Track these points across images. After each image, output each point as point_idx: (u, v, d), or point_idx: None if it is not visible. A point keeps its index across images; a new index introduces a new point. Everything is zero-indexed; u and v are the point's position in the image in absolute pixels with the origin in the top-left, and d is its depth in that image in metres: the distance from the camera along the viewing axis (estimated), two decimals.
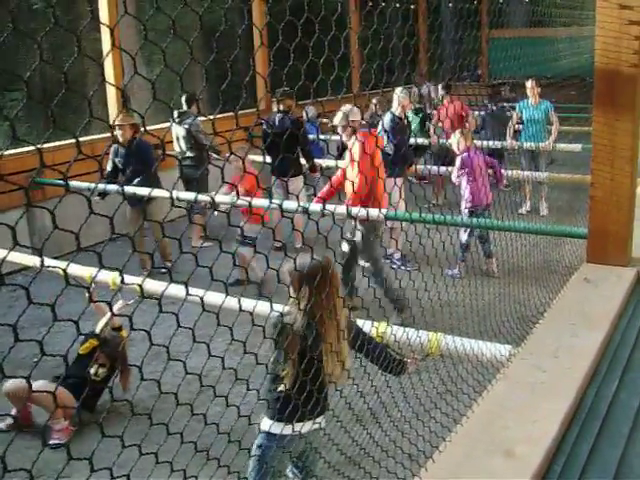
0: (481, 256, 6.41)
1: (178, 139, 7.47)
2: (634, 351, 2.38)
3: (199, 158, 7.44)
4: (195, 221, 7.54)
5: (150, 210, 6.39)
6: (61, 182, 6.41)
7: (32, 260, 4.64)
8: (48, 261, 2.78)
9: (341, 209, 4.91)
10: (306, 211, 4.31)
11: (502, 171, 6.65)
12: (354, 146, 5.07)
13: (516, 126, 8.62)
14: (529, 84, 8.15)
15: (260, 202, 5.53)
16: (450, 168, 6.82)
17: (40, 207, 1.17)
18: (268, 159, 7.25)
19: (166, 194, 5.99)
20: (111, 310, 1.30)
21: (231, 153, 5.79)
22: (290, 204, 5.30)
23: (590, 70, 2.93)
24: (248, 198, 5.40)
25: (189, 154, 7.42)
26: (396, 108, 6.94)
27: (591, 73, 2.84)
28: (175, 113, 7.34)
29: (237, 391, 2.92)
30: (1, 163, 6.57)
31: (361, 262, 5.48)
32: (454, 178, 6.44)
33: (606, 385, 2.15)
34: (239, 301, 2.16)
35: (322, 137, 9.24)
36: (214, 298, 2.73)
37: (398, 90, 6.99)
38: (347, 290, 5.15)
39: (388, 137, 6.69)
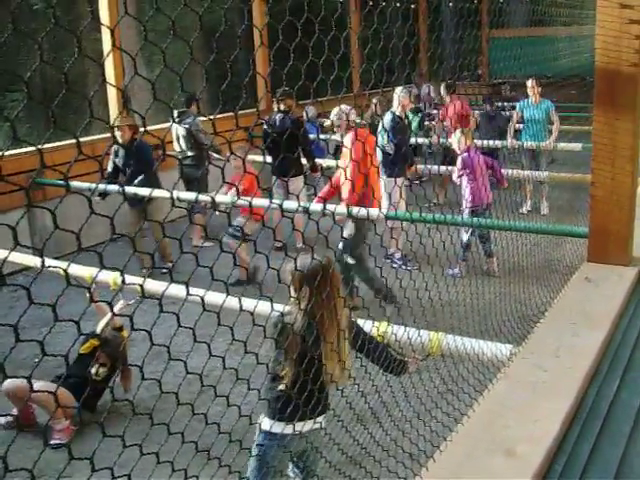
0: (482, 255, 6.41)
1: (178, 139, 7.47)
2: (635, 350, 2.38)
3: (199, 158, 7.45)
4: (196, 221, 7.55)
5: (150, 210, 6.40)
6: (62, 182, 6.42)
7: (33, 260, 4.64)
8: (49, 261, 2.77)
9: (341, 209, 4.94)
10: (306, 211, 4.32)
11: (502, 171, 6.65)
12: (345, 140, 5.16)
13: (517, 125, 8.62)
14: (529, 83, 8.15)
15: (260, 202, 5.54)
16: (450, 167, 6.82)
17: (41, 207, 1.17)
18: (268, 159, 7.26)
19: (167, 194, 6.00)
20: (112, 310, 1.30)
21: (231, 153, 5.83)
22: (290, 204, 5.31)
23: (590, 69, 2.93)
24: (248, 198, 5.41)
25: (189, 154, 7.43)
26: (396, 107, 6.94)
27: (591, 72, 2.84)
28: (175, 113, 7.35)
29: (238, 391, 2.92)
30: (2, 163, 6.57)
31: (347, 259, 5.53)
32: (455, 178, 6.44)
33: (607, 384, 2.14)
34: (240, 301, 2.16)
35: (322, 137, 9.24)
36: (215, 298, 2.73)
37: (398, 90, 6.99)
38: (347, 290, 5.16)
39: (388, 136, 6.69)
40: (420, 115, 9.65)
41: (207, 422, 1.48)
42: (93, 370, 4.11)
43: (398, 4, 10.30)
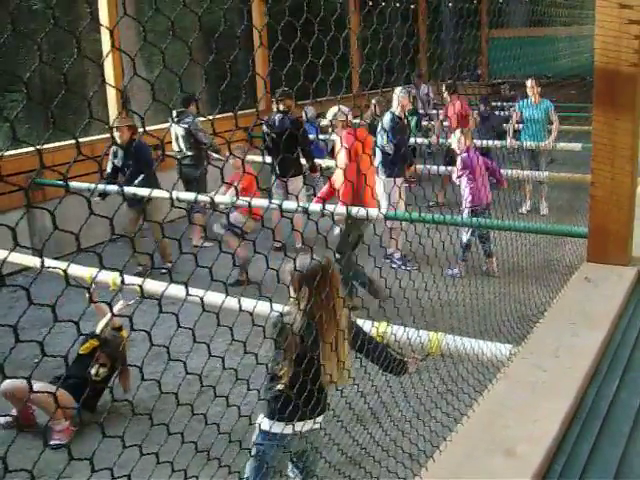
0: (481, 256, 6.41)
1: (177, 139, 7.47)
2: (635, 350, 2.38)
3: (198, 157, 7.45)
4: (195, 220, 7.55)
5: (149, 211, 6.41)
6: (61, 183, 6.42)
7: (32, 261, 4.64)
8: (48, 262, 2.78)
9: (340, 209, 4.94)
10: (306, 211, 4.32)
11: (501, 171, 6.66)
12: (338, 140, 5.20)
13: (516, 125, 8.63)
14: (529, 83, 8.16)
15: (260, 202, 5.54)
16: (450, 168, 6.83)
17: (40, 208, 1.17)
18: (268, 159, 7.26)
19: (166, 195, 6.00)
20: (111, 311, 1.30)
21: (230, 153, 5.83)
22: (290, 204, 5.31)
23: (590, 69, 2.93)
24: (247, 198, 5.42)
25: (188, 153, 7.42)
26: (396, 108, 6.94)
27: (591, 72, 2.84)
28: (174, 113, 7.35)
29: (238, 391, 2.93)
30: (1, 164, 6.57)
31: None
32: (455, 178, 6.45)
33: (607, 384, 2.14)
34: (239, 301, 2.16)
35: (321, 137, 9.25)
36: (214, 298, 2.73)
37: (397, 90, 6.99)
38: (347, 290, 5.17)
39: (388, 137, 6.70)
40: (417, 116, 9.65)
41: (207, 422, 1.48)
42: (93, 371, 4.11)
43: (397, 4, 10.30)
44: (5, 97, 11.84)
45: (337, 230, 5.34)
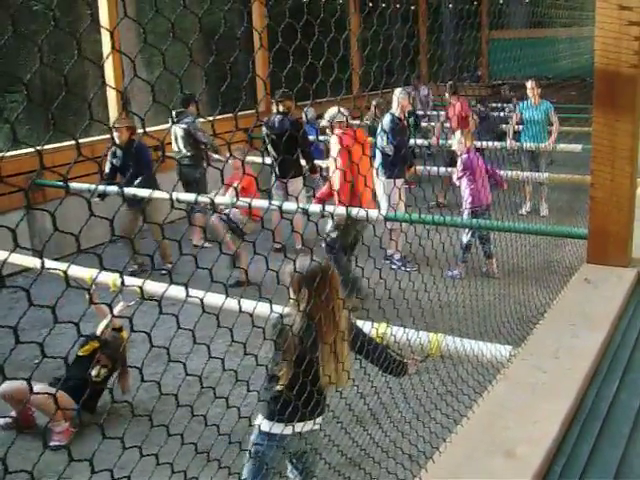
0: (481, 257, 6.41)
1: (176, 139, 7.47)
2: (634, 352, 2.38)
3: (197, 157, 7.44)
4: (196, 220, 7.54)
5: (148, 212, 6.40)
6: (61, 184, 6.43)
7: (33, 262, 4.64)
8: (49, 263, 2.78)
9: (340, 210, 4.94)
10: (306, 212, 4.33)
11: (501, 172, 6.66)
12: (332, 140, 5.30)
13: (516, 127, 8.63)
14: (529, 85, 8.16)
15: (260, 203, 5.54)
16: (450, 169, 6.83)
17: (40, 210, 1.17)
18: (267, 160, 7.26)
19: (166, 196, 6.00)
20: (112, 312, 1.30)
21: (230, 155, 5.84)
22: (290, 205, 5.32)
23: (590, 71, 2.93)
24: (247, 199, 5.42)
25: (187, 153, 7.42)
26: (396, 109, 6.94)
27: (591, 74, 2.84)
28: (173, 113, 7.35)
29: (237, 392, 2.93)
30: (1, 165, 6.57)
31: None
32: (455, 179, 6.45)
33: (607, 386, 2.15)
34: (239, 302, 2.16)
35: (321, 138, 9.24)
36: (214, 299, 2.72)
37: (397, 91, 6.99)
38: (347, 291, 5.16)
39: (388, 138, 6.70)
40: (414, 117, 9.65)
41: (207, 423, 1.48)
42: (94, 372, 4.11)
43: (398, 6, 10.31)
44: (5, 98, 11.85)
45: (330, 222, 5.39)
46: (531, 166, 8.32)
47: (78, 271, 4.02)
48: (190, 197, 6.45)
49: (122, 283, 2.76)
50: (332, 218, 5.25)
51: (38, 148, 1.12)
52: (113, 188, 6.25)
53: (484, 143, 7.83)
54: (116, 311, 4.13)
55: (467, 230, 6.19)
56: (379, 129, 6.94)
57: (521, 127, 8.63)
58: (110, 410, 4.18)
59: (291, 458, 2.73)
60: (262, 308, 2.62)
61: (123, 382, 4.23)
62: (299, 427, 2.42)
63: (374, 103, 8.34)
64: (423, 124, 10.40)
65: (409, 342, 2.81)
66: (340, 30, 1.91)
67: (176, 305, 1.67)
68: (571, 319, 2.47)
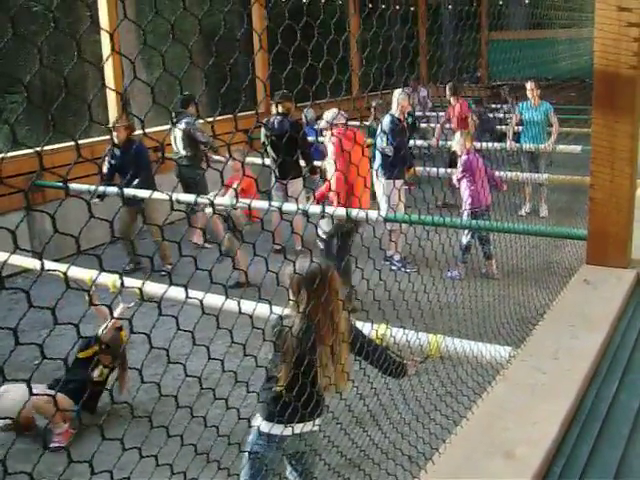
0: (481, 258, 6.42)
1: (175, 140, 7.47)
2: (634, 353, 2.39)
3: (196, 158, 7.44)
4: (196, 219, 7.54)
5: (146, 213, 6.40)
6: (61, 185, 6.43)
7: (32, 263, 4.64)
8: (48, 264, 2.78)
9: (340, 211, 4.94)
10: (305, 213, 4.33)
11: (500, 174, 6.66)
12: (329, 144, 5.35)
13: (516, 128, 8.63)
14: (529, 86, 8.16)
15: (260, 204, 5.54)
16: (449, 170, 6.83)
17: (40, 211, 1.17)
18: (267, 161, 7.26)
19: (166, 197, 6.00)
20: (111, 313, 1.30)
21: (230, 156, 5.84)
22: (290, 206, 5.32)
23: (589, 72, 2.94)
24: (247, 200, 5.42)
25: (186, 154, 7.42)
26: (395, 110, 6.94)
27: (590, 75, 2.85)
28: (172, 114, 7.35)
29: (237, 394, 2.93)
30: (1, 166, 6.56)
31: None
32: (455, 180, 6.45)
33: (606, 386, 2.15)
34: (239, 304, 2.16)
35: (321, 139, 9.24)
36: (214, 300, 2.73)
37: (397, 92, 6.99)
38: (347, 292, 5.16)
39: (387, 139, 6.70)
40: (411, 118, 9.65)
41: (206, 425, 1.48)
42: (96, 372, 4.10)
43: (397, 7, 10.32)
44: (5, 99, 11.86)
45: (324, 220, 5.41)
46: (531, 167, 8.32)
47: (78, 272, 4.02)
48: (190, 198, 6.45)
49: (122, 284, 2.76)
50: (331, 217, 5.26)
51: (38, 149, 1.12)
52: (113, 189, 6.25)
53: (485, 144, 7.83)
54: (116, 314, 4.12)
55: (467, 231, 6.20)
56: (379, 130, 6.94)
57: (521, 128, 8.63)
58: (110, 411, 4.18)
59: (290, 459, 2.72)
60: (262, 309, 2.63)
61: (121, 382, 4.22)
62: (298, 428, 2.42)
63: (374, 104, 8.34)
64: (422, 125, 10.40)
65: (409, 343, 2.81)
66: (340, 31, 1.91)
67: (176, 306, 1.67)
68: (570, 320, 2.47)
